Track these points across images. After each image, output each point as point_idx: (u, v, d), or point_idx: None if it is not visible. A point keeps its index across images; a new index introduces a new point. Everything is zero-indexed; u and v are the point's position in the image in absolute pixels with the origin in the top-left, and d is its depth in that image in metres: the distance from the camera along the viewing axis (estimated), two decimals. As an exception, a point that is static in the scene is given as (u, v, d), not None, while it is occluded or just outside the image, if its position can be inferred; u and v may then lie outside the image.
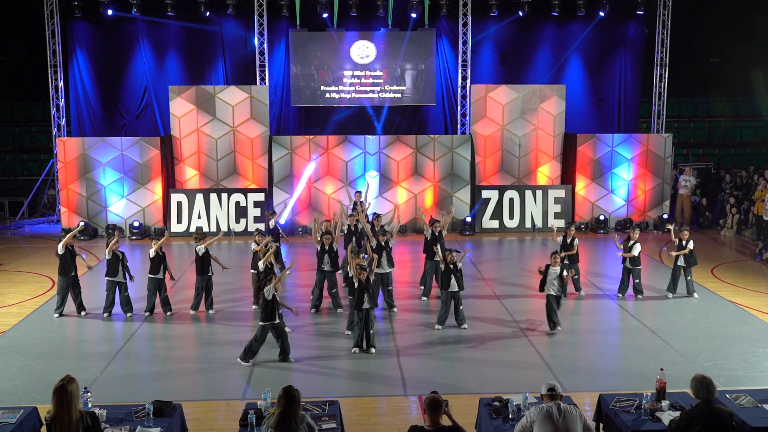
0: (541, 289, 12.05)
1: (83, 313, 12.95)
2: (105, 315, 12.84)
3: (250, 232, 19.91)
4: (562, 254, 13.78)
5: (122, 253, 13.01)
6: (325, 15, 21.41)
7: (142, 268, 14.85)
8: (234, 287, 14.78)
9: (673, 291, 14.03)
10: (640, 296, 13.91)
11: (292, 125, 22.68)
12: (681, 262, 13.94)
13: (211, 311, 13.25)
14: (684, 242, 13.98)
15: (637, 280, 13.90)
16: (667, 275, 14.38)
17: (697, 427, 6.54)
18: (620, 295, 14.03)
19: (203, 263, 13.06)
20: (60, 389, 6.26)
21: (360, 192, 17.68)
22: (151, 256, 12.92)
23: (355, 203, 16.93)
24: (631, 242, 13.78)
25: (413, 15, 21.51)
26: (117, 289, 12.92)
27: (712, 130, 27.08)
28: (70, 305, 12.99)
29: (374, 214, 15.12)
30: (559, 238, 14.23)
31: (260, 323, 10.61)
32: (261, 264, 11.94)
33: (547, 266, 11.98)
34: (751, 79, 24.50)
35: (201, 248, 13.04)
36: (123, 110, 22.51)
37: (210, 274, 13.19)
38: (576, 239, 14.14)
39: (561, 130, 21.34)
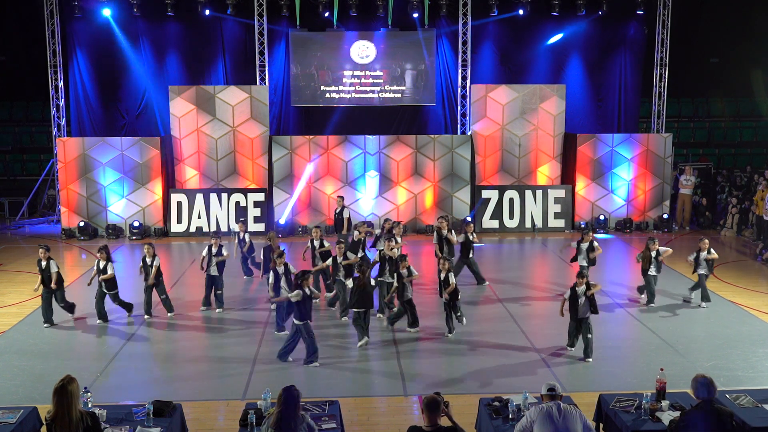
0: (573, 316, 10.93)
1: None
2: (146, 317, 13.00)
3: (251, 232, 19.88)
4: (589, 257, 13.80)
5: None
6: (326, 15, 21.42)
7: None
8: (235, 288, 14.76)
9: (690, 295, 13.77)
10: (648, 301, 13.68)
11: (292, 125, 22.68)
12: (703, 269, 13.41)
13: (219, 310, 13.32)
14: (706, 251, 13.37)
15: (656, 286, 13.65)
16: (668, 276, 14.36)
17: (697, 426, 6.54)
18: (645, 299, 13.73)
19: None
20: (60, 389, 6.26)
21: (342, 197, 17.45)
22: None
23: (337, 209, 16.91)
24: (654, 253, 13.28)
25: (414, 15, 21.50)
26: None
27: (712, 130, 27.09)
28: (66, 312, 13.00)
29: (390, 221, 15.06)
30: (573, 243, 13.99)
31: (296, 322, 10.60)
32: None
33: (573, 288, 10.86)
34: (751, 79, 24.50)
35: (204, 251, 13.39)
36: (123, 110, 22.50)
37: (213, 273, 13.28)
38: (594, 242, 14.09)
39: (561, 130, 21.33)
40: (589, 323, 10.86)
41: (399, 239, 13.93)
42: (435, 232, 14.76)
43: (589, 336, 10.82)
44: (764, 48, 23.13)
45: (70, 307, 12.86)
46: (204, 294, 13.44)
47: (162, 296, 13.03)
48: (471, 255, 14.86)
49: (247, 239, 15.35)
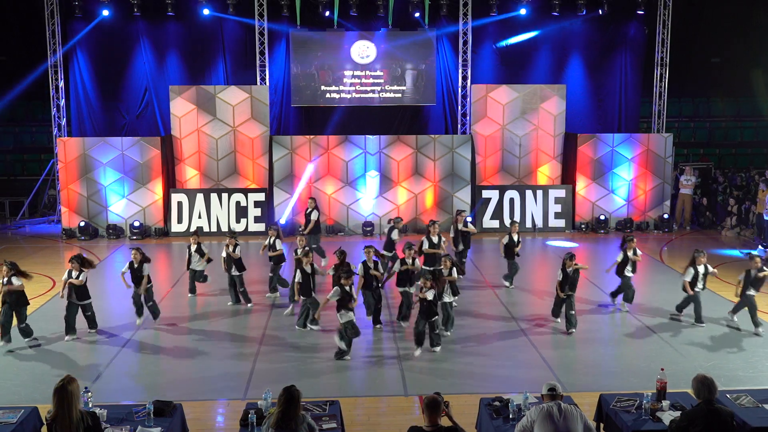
0: (563, 290, 12.13)
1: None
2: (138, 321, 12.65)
3: (251, 231, 19.98)
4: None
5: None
6: (326, 15, 21.43)
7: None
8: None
9: (732, 316, 12.49)
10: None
11: (293, 125, 22.68)
12: (752, 290, 12.00)
13: (249, 305, 13.60)
14: (759, 271, 11.97)
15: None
16: (667, 274, 14.32)
17: (697, 427, 6.54)
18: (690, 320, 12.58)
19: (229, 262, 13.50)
20: (61, 389, 6.27)
21: (314, 198, 17.07)
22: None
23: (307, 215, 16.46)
24: (702, 267, 12.22)
25: (416, 14, 21.51)
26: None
27: (712, 130, 27.08)
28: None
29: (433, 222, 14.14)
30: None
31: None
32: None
33: (564, 270, 12.15)
34: (751, 79, 24.49)
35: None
36: (123, 110, 22.51)
37: (234, 273, 13.51)
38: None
39: (561, 129, 21.33)
40: (572, 301, 12.09)
41: (435, 238, 13.48)
42: (451, 226, 15.04)
43: (572, 312, 12.06)
44: (765, 47, 23.13)
45: (26, 331, 11.47)
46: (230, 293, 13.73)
47: (149, 303, 12.46)
48: (517, 255, 14.79)
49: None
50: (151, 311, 12.60)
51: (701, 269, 12.20)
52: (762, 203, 18.78)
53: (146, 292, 12.37)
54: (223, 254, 13.54)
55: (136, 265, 12.30)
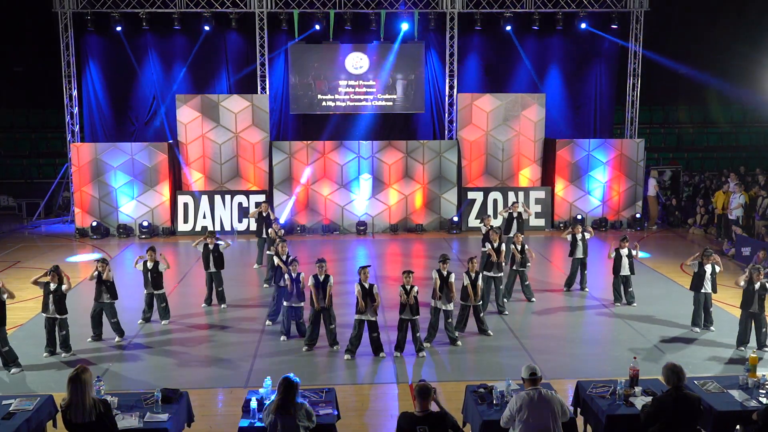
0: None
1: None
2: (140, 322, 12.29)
3: (252, 230, 19.90)
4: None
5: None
6: (322, 28, 21.37)
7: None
8: (239, 283, 14.71)
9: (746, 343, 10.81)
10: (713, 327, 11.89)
11: (291, 131, 22.63)
12: (755, 308, 10.56)
13: (223, 306, 13.11)
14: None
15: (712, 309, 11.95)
16: (639, 269, 14.28)
17: (667, 411, 6.56)
18: (697, 329, 11.77)
19: (205, 259, 13.07)
20: (74, 378, 6.25)
21: (265, 203, 16.35)
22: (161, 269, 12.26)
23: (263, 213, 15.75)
24: (712, 267, 11.58)
25: (405, 26, 21.50)
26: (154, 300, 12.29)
27: (681, 135, 27.18)
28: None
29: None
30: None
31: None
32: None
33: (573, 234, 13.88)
34: (707, 90, 24.61)
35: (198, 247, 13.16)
36: (133, 117, 22.41)
37: (210, 270, 13.04)
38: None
39: (541, 135, 21.36)
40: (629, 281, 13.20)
41: (445, 272, 11.07)
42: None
43: (630, 289, 13.16)
44: (723, 60, 23.29)
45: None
46: (206, 292, 13.28)
47: (112, 320, 11.35)
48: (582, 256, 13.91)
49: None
50: (114, 328, 11.43)
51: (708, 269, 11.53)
52: (727, 204, 18.84)
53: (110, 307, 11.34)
54: (200, 248, 13.03)
55: (104, 275, 11.19)
